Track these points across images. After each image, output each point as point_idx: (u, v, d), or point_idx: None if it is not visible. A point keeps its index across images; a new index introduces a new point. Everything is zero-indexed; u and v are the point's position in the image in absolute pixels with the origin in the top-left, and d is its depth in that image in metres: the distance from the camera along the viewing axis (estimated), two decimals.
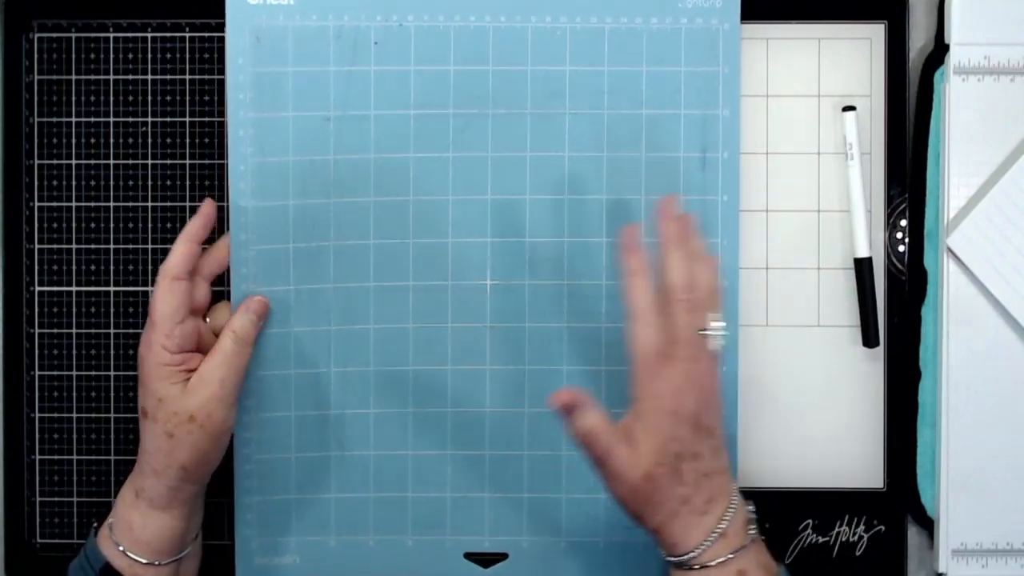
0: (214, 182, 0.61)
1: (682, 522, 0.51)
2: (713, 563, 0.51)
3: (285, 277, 0.59)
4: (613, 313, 0.59)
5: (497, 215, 0.59)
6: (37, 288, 0.61)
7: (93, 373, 0.61)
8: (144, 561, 0.54)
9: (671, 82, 0.59)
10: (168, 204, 0.61)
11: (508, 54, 0.59)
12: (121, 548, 0.54)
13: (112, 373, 0.61)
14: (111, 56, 0.61)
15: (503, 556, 0.60)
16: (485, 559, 0.60)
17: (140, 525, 0.54)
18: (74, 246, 0.61)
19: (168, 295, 0.54)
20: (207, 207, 0.56)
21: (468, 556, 0.60)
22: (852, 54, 0.61)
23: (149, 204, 0.61)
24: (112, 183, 0.61)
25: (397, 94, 0.59)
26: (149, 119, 0.61)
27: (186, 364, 0.55)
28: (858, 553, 0.60)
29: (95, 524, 0.56)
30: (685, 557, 0.51)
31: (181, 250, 0.55)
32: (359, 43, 0.58)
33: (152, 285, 0.61)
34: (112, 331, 0.61)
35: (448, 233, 0.59)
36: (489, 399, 0.59)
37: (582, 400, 0.52)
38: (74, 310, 0.61)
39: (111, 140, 0.61)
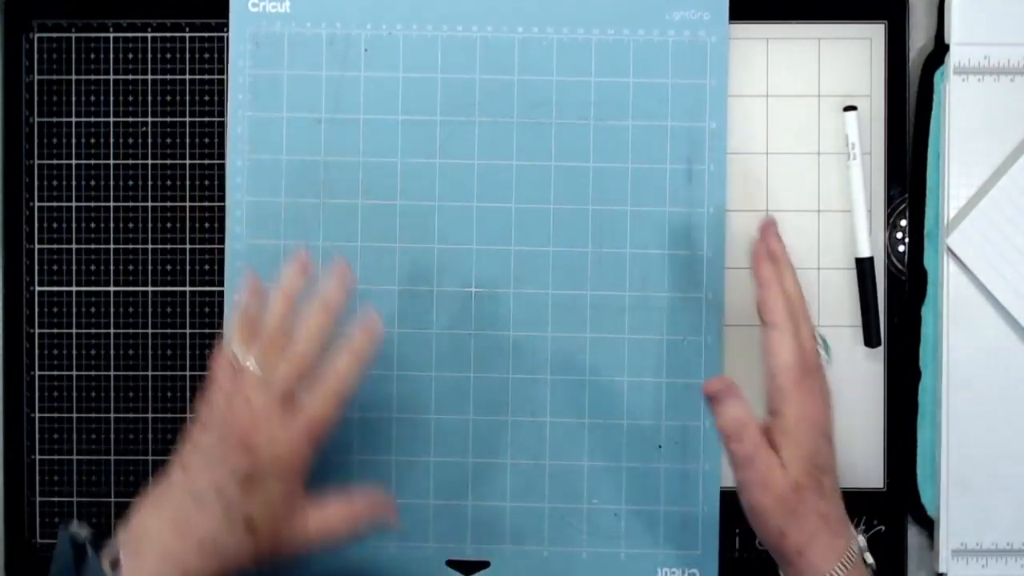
0: (214, 182, 0.61)
1: (823, 542, 0.49)
2: None
3: (275, 274, 0.59)
4: (597, 322, 0.60)
5: (482, 222, 0.60)
6: (37, 288, 0.61)
7: (93, 373, 0.61)
8: None
9: (658, 94, 0.59)
10: (168, 204, 0.61)
11: (495, 64, 0.60)
12: None
13: (112, 373, 0.61)
14: (111, 56, 0.61)
15: (485, 564, 0.60)
16: (467, 566, 0.60)
17: None
18: (74, 246, 0.61)
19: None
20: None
21: (450, 563, 0.60)
22: (852, 54, 0.61)
23: (149, 204, 0.61)
24: (112, 183, 0.61)
25: (386, 100, 0.60)
26: (149, 119, 0.61)
27: None
28: None
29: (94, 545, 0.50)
30: None
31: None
32: (350, 50, 0.60)
33: (151, 285, 0.61)
34: (112, 331, 0.61)
35: (434, 239, 0.60)
36: (473, 407, 0.60)
37: (733, 388, 0.50)
38: (74, 310, 0.61)
39: (111, 140, 0.61)
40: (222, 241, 0.61)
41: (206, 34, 0.61)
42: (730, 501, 0.60)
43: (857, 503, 0.60)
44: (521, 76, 0.60)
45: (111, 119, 0.61)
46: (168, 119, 0.61)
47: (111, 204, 0.61)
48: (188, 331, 0.61)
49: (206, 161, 0.61)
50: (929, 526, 0.60)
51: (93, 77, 0.61)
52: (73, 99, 0.61)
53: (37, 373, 0.61)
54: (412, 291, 0.60)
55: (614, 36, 0.59)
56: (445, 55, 0.60)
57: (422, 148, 0.60)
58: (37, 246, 0.61)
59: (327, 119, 0.60)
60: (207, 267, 0.61)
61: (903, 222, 0.61)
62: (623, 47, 0.59)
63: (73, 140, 0.61)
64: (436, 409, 0.60)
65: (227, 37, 0.61)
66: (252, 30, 0.60)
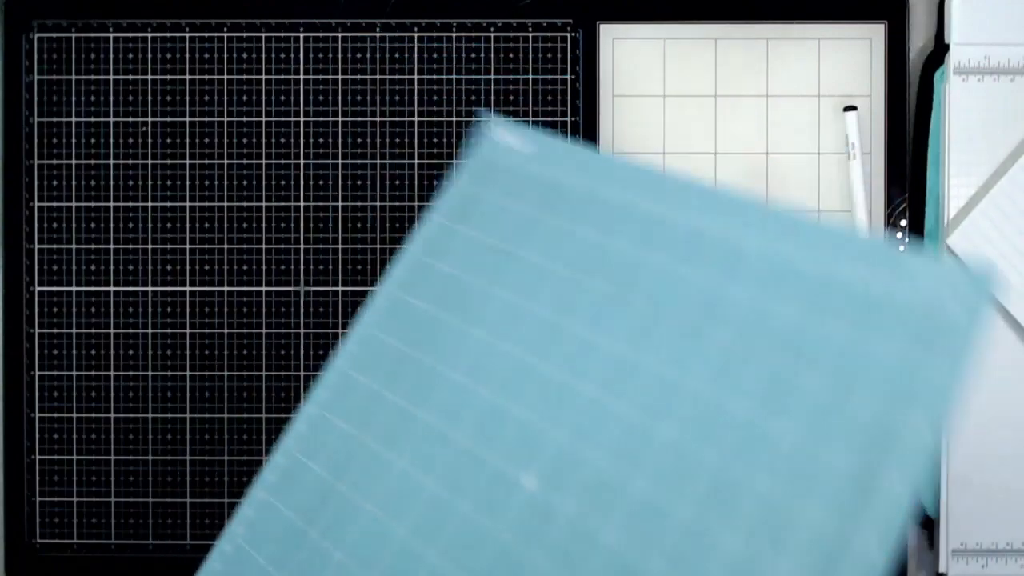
0: (214, 182, 0.61)
1: None
2: None
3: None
4: None
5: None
6: (37, 288, 0.61)
7: (93, 373, 0.61)
8: None
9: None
10: (168, 204, 0.61)
11: None
12: None
13: (112, 373, 0.61)
14: (111, 56, 0.61)
15: None
16: None
17: None
18: (74, 246, 0.61)
19: None
20: None
21: None
22: (852, 54, 0.61)
23: (149, 204, 0.61)
24: (112, 183, 0.61)
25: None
26: (149, 119, 0.61)
27: None
28: None
29: None
30: None
31: None
32: None
33: (151, 285, 0.61)
34: (112, 331, 0.61)
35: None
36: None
37: None
38: (74, 310, 0.61)
39: (111, 140, 0.61)
40: (222, 241, 0.61)
41: (206, 34, 0.61)
42: None
43: None
44: None
45: (111, 119, 0.61)
46: (168, 119, 0.61)
47: (111, 204, 0.61)
48: (188, 331, 0.61)
49: (206, 161, 0.61)
50: (929, 526, 0.60)
51: (93, 77, 0.61)
52: (73, 99, 0.61)
53: (37, 373, 0.61)
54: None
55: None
56: None
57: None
58: (37, 246, 0.61)
59: None
60: (207, 267, 0.61)
61: (903, 222, 0.61)
62: None
63: (73, 140, 0.61)
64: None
65: (227, 37, 0.61)
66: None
